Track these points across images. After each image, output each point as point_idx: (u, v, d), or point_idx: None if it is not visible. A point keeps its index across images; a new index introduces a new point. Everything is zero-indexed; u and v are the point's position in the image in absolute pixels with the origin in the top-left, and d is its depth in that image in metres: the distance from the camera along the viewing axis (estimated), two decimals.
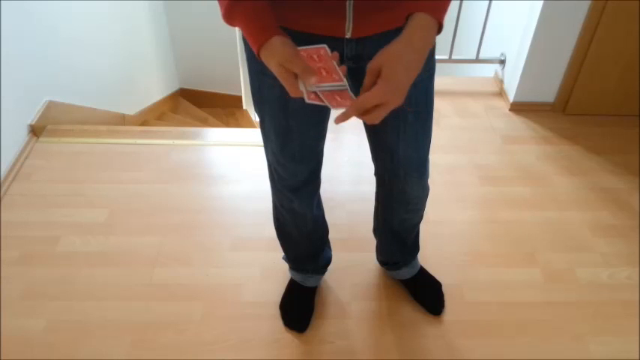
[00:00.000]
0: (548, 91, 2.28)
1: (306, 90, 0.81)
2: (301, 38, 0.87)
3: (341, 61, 0.99)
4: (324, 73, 0.80)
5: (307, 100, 0.81)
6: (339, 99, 0.81)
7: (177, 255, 1.67)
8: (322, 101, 0.81)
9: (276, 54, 0.80)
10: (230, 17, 0.83)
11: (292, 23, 0.88)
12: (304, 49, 0.81)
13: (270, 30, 0.81)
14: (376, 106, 0.77)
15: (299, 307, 1.51)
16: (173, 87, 3.79)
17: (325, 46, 0.80)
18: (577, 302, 1.55)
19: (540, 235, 1.75)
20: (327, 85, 0.81)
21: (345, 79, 0.80)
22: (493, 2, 2.31)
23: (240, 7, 0.81)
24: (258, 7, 0.82)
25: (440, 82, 2.44)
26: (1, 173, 1.89)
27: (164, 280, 1.59)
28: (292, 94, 0.81)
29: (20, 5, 1.96)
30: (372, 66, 0.78)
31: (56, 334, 1.44)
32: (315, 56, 0.81)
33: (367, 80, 0.79)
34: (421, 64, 0.80)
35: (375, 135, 1.13)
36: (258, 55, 0.82)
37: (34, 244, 1.69)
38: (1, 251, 1.66)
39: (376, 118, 0.79)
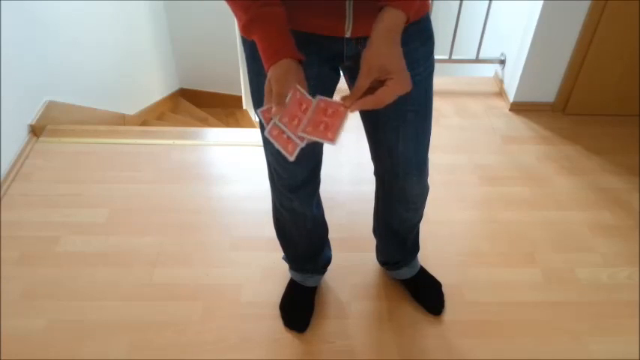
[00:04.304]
0: (548, 91, 2.28)
1: (264, 109, 0.83)
2: (301, 37, 0.87)
3: (340, 60, 0.99)
4: (295, 122, 0.81)
5: (258, 110, 0.83)
6: (283, 139, 0.82)
7: (177, 255, 1.67)
8: (267, 124, 0.82)
9: (274, 71, 0.82)
10: (248, 33, 0.86)
11: (292, 22, 0.88)
12: (300, 92, 0.82)
13: (284, 52, 0.83)
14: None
15: (299, 307, 1.51)
16: (173, 87, 3.78)
17: (323, 100, 0.83)
18: (577, 302, 1.55)
19: (540, 235, 1.75)
20: (285, 128, 0.82)
21: (304, 142, 0.82)
22: (493, 2, 2.31)
23: (258, 27, 0.84)
24: (275, 29, 0.84)
25: (440, 82, 2.45)
26: (1, 173, 1.89)
27: (164, 280, 1.59)
28: (265, 102, 0.83)
29: (20, 5, 1.96)
30: (370, 70, 0.79)
31: (56, 334, 1.44)
32: (303, 105, 0.82)
33: (364, 81, 0.80)
34: (397, 44, 0.81)
35: (375, 134, 1.13)
36: (267, 71, 0.84)
37: (34, 244, 1.69)
38: (1, 251, 1.66)
39: (382, 101, 0.81)
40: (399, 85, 0.79)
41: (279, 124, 0.81)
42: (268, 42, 0.84)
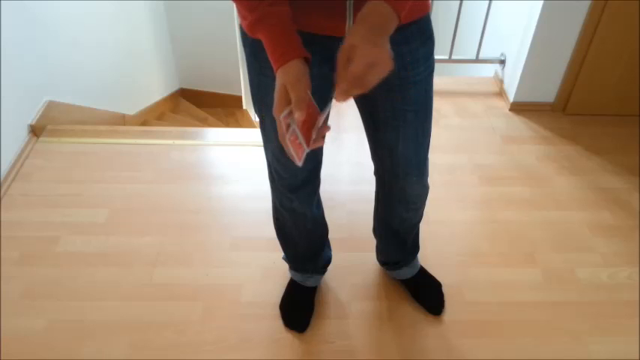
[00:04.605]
0: (548, 91, 2.28)
1: (285, 114, 0.83)
2: (303, 37, 0.87)
3: None
4: (304, 127, 0.83)
5: (280, 116, 0.83)
6: (297, 145, 0.82)
7: (177, 255, 1.67)
8: (287, 129, 0.82)
9: (286, 75, 0.81)
10: (254, 32, 0.85)
11: (295, 23, 0.88)
12: (310, 99, 0.82)
13: (292, 53, 0.82)
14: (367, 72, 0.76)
15: (299, 307, 1.51)
16: (173, 87, 3.79)
17: (325, 113, 0.83)
18: (577, 302, 1.55)
19: (540, 235, 1.75)
20: (299, 134, 0.82)
21: (310, 148, 0.83)
22: (493, 2, 2.31)
23: (264, 27, 0.83)
24: (282, 28, 0.83)
25: (440, 82, 2.45)
26: (1, 173, 1.89)
27: (164, 280, 1.59)
28: (275, 111, 0.83)
29: (20, 5, 1.96)
30: (341, 53, 0.77)
31: (56, 334, 1.44)
32: (310, 109, 0.83)
33: (340, 63, 0.77)
34: (383, 36, 0.78)
35: (375, 134, 1.13)
36: (276, 72, 0.84)
37: (34, 244, 1.69)
38: (1, 251, 1.66)
39: (370, 82, 0.77)
40: (361, 51, 0.74)
41: (297, 131, 0.82)
42: (275, 42, 0.83)
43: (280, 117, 0.82)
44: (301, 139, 0.82)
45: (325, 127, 0.84)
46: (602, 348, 1.44)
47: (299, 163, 0.83)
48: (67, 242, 1.70)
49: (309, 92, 0.82)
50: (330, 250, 1.54)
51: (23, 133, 2.07)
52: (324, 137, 0.84)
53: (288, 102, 0.81)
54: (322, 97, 0.89)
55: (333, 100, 0.83)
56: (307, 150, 0.83)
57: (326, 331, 1.47)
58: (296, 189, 1.19)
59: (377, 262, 1.62)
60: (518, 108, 2.33)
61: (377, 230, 1.48)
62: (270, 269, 1.62)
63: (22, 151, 2.03)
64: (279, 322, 1.49)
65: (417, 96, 1.03)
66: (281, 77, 0.82)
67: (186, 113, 3.67)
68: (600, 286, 1.60)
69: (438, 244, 1.71)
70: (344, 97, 0.78)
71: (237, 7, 0.86)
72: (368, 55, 0.75)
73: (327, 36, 0.93)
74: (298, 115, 0.78)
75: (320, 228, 1.41)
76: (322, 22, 0.90)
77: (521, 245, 1.72)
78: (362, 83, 0.76)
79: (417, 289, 1.54)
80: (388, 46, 0.77)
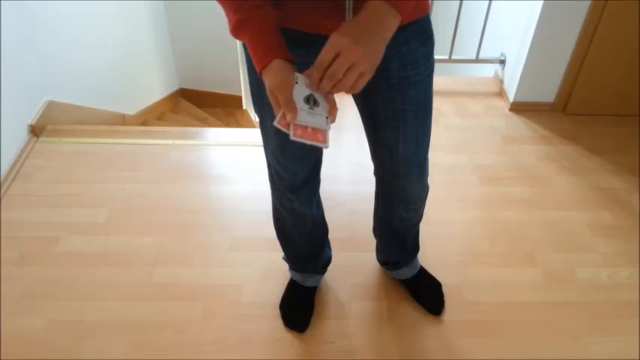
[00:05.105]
0: (548, 91, 2.28)
1: (279, 119, 0.82)
2: (302, 38, 0.87)
3: None
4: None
5: (275, 124, 0.82)
6: (309, 134, 0.81)
7: (177, 255, 1.67)
8: (288, 129, 0.81)
9: (270, 78, 0.81)
10: (237, 34, 0.85)
11: (293, 23, 0.88)
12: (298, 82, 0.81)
13: (274, 53, 0.82)
14: (348, 70, 0.74)
15: (299, 307, 1.51)
16: (173, 87, 3.79)
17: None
18: (577, 302, 1.55)
19: (540, 235, 1.75)
20: (307, 123, 0.81)
21: (329, 126, 0.81)
22: (493, 2, 2.31)
23: (247, 28, 0.83)
24: (264, 30, 0.83)
25: (440, 82, 2.45)
26: (1, 173, 1.89)
27: (164, 280, 1.59)
28: (275, 113, 0.82)
29: (20, 5, 1.96)
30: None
31: (56, 334, 1.44)
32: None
33: (322, 53, 0.76)
34: (377, 36, 0.76)
35: (375, 134, 1.13)
36: (260, 75, 0.83)
37: (34, 244, 1.69)
38: (1, 251, 1.66)
39: (349, 83, 0.76)
40: (343, 48, 0.73)
41: (300, 122, 0.81)
42: (256, 44, 0.83)
43: (274, 124, 0.82)
44: (312, 125, 0.81)
45: (331, 96, 0.83)
46: (602, 348, 1.44)
47: (325, 145, 0.81)
48: (67, 242, 1.70)
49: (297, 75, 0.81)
50: (330, 250, 1.54)
51: (23, 133, 2.07)
52: (335, 105, 0.82)
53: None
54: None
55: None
56: (328, 128, 0.81)
57: (326, 331, 1.47)
58: (296, 189, 1.19)
59: (377, 262, 1.62)
60: (518, 108, 2.33)
61: (377, 230, 1.48)
62: (270, 269, 1.62)
63: (22, 151, 2.03)
64: (279, 322, 1.49)
65: (417, 96, 1.03)
66: (267, 81, 0.82)
67: (186, 113, 3.67)
68: (600, 286, 1.60)
69: (438, 244, 1.71)
70: (316, 88, 0.78)
71: (223, 9, 0.86)
72: (350, 53, 0.73)
73: (327, 35, 0.93)
74: (289, 117, 0.78)
75: (320, 228, 1.41)
76: (321, 21, 0.90)
77: (521, 245, 1.72)
78: (338, 81, 0.75)
79: (417, 289, 1.54)
80: (381, 48, 0.76)
